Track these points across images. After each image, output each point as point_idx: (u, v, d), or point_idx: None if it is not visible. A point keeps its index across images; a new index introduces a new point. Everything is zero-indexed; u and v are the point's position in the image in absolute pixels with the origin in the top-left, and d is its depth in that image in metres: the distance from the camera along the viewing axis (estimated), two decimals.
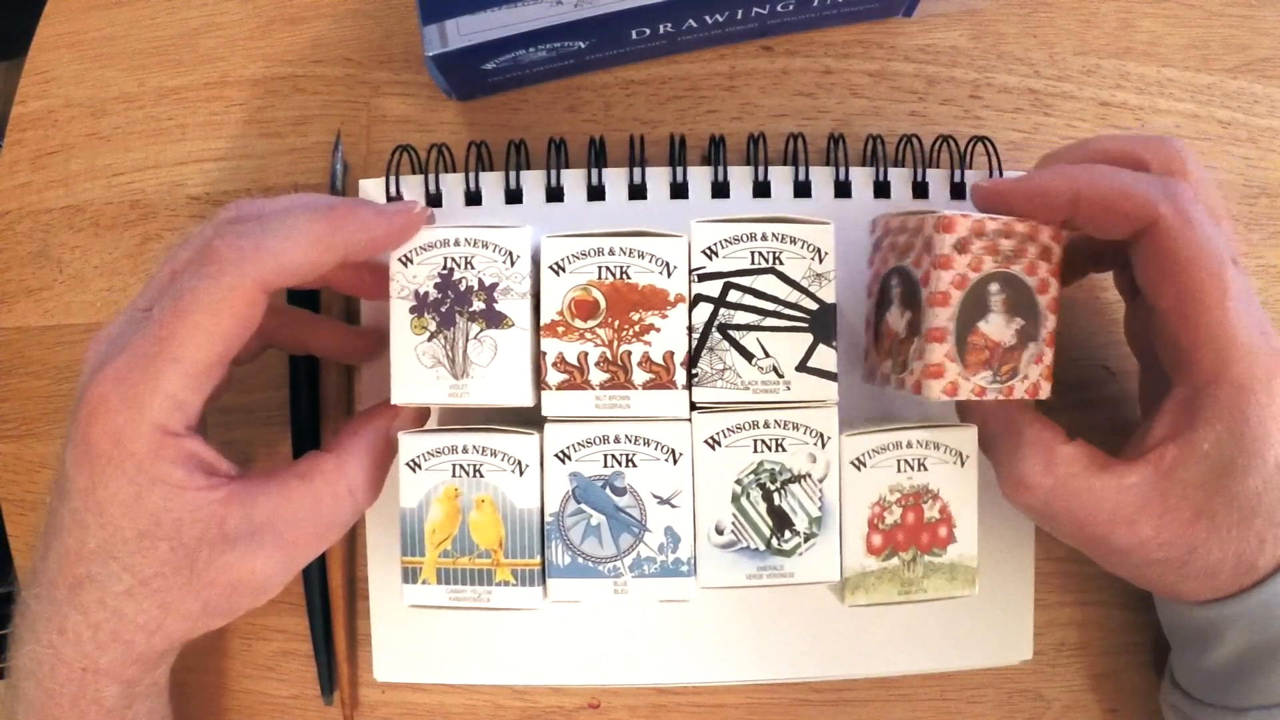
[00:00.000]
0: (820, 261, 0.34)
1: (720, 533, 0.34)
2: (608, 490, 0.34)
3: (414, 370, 0.33)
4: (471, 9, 0.37)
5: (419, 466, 0.34)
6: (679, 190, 0.40)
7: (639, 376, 0.34)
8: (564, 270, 0.34)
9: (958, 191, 0.40)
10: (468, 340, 0.33)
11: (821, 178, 0.41)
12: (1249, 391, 0.30)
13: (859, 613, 0.39)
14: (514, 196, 0.40)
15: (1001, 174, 0.41)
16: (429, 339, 0.33)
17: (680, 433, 0.34)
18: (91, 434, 0.29)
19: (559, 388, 0.34)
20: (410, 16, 0.43)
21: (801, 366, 0.34)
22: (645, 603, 0.38)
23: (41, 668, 0.31)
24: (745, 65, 0.43)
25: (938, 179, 0.41)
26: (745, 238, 0.34)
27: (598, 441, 0.34)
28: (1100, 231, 0.33)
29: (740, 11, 0.39)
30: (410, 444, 0.34)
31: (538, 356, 0.34)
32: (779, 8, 0.39)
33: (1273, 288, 0.43)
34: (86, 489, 0.30)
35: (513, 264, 0.34)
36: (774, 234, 0.34)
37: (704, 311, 0.34)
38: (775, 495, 0.34)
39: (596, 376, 0.34)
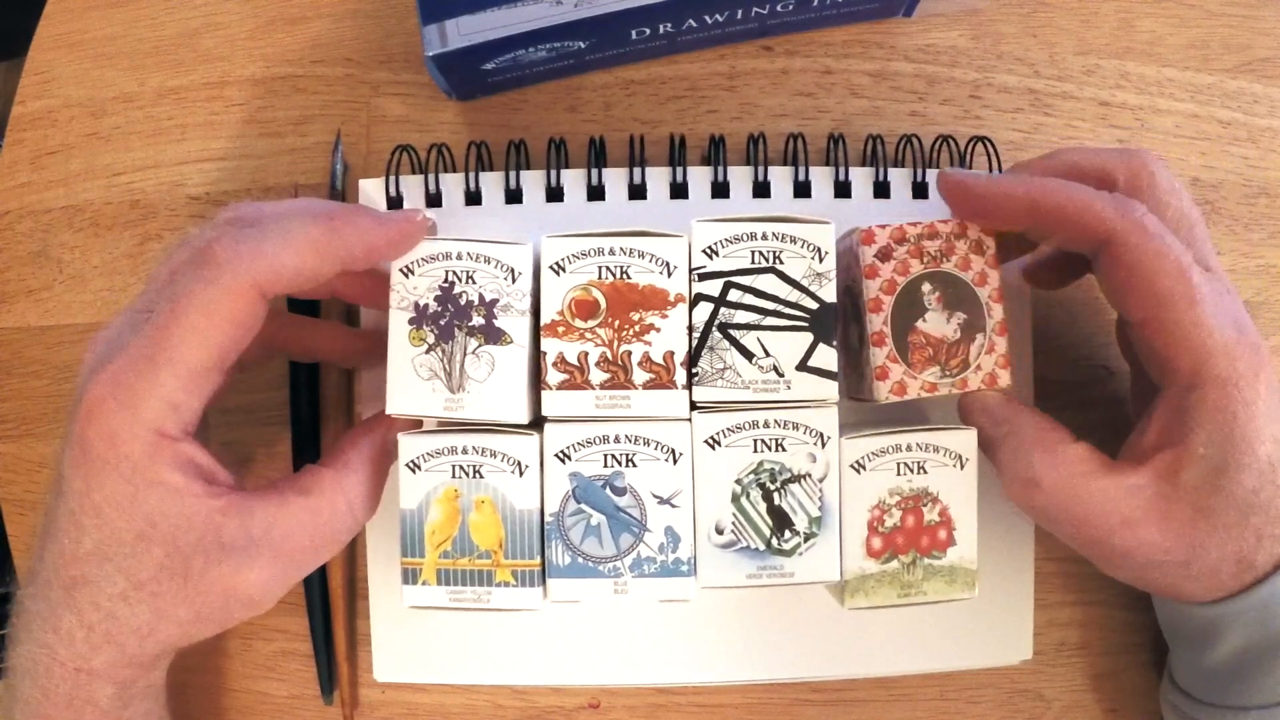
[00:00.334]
0: (820, 261, 0.34)
1: (720, 532, 0.34)
2: (608, 490, 0.34)
3: (410, 382, 0.33)
4: (471, 9, 0.36)
5: (419, 467, 0.34)
6: (679, 190, 0.40)
7: (639, 376, 0.34)
8: (564, 270, 0.34)
9: None
10: (465, 355, 0.33)
11: (821, 178, 0.41)
12: (1232, 388, 0.31)
13: (858, 613, 0.39)
14: (514, 196, 0.40)
15: (1001, 173, 0.41)
16: (427, 351, 0.33)
17: (680, 432, 0.34)
18: (88, 435, 0.29)
19: (559, 387, 0.34)
20: (410, 16, 0.43)
21: (802, 366, 0.34)
22: (645, 603, 0.38)
23: (37, 667, 0.31)
24: (745, 65, 0.43)
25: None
26: (746, 237, 0.34)
27: (598, 441, 0.34)
28: (1059, 243, 0.33)
29: (740, 11, 0.39)
30: (410, 445, 0.34)
31: (535, 374, 0.34)
32: (779, 8, 0.39)
33: (1273, 288, 0.43)
34: (83, 490, 0.30)
35: (514, 280, 0.34)
36: (774, 233, 0.34)
37: (704, 311, 0.34)
38: (775, 495, 0.34)
39: (597, 376, 0.34)
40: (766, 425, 0.34)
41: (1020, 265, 0.40)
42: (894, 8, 0.42)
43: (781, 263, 0.34)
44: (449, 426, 0.34)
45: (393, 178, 0.41)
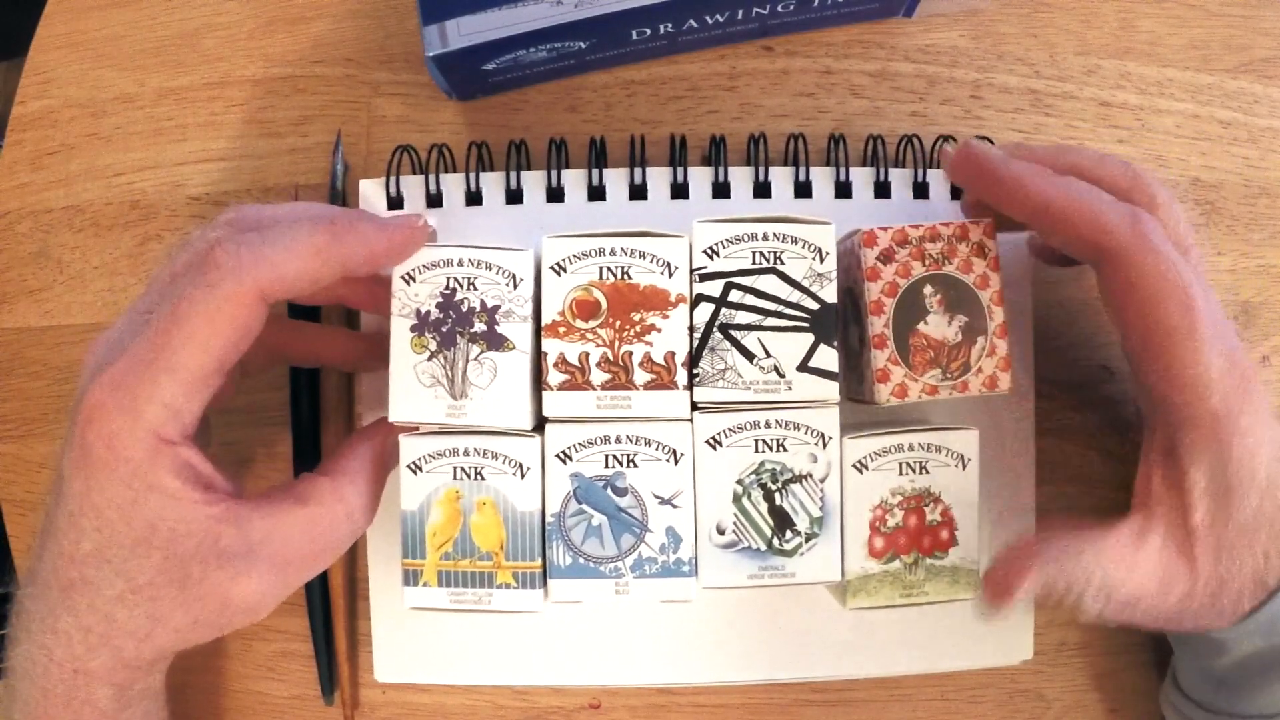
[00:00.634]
0: (821, 261, 0.34)
1: (721, 533, 0.34)
2: (609, 490, 0.34)
3: (412, 389, 0.33)
4: (472, 9, 0.36)
5: (420, 469, 0.34)
6: (679, 190, 0.40)
7: (640, 377, 0.34)
8: (565, 270, 0.34)
9: (958, 192, 0.40)
10: (467, 361, 0.33)
11: (822, 178, 0.41)
12: (1225, 421, 0.31)
13: (860, 613, 0.39)
14: (514, 197, 0.40)
15: None
16: (429, 358, 0.33)
17: (681, 433, 0.34)
18: (88, 438, 0.29)
19: (560, 388, 0.34)
20: (411, 16, 0.43)
21: (803, 366, 0.34)
22: (646, 603, 0.38)
23: (35, 668, 0.31)
24: (746, 65, 0.43)
25: (938, 179, 0.41)
26: (746, 238, 0.34)
27: (599, 442, 0.34)
28: (1058, 244, 0.33)
29: (740, 12, 0.39)
30: (411, 447, 0.34)
31: (537, 380, 0.34)
32: (779, 8, 0.39)
33: (1273, 288, 0.43)
34: (82, 492, 0.30)
35: (515, 287, 0.34)
36: (775, 234, 0.34)
37: (705, 311, 0.34)
38: (776, 495, 0.34)
39: (598, 377, 0.34)
40: (768, 425, 0.34)
41: (1027, 238, 0.40)
42: (894, 8, 0.42)
43: (782, 263, 0.34)
44: (450, 428, 0.34)
45: (393, 178, 0.41)
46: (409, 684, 0.41)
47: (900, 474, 0.34)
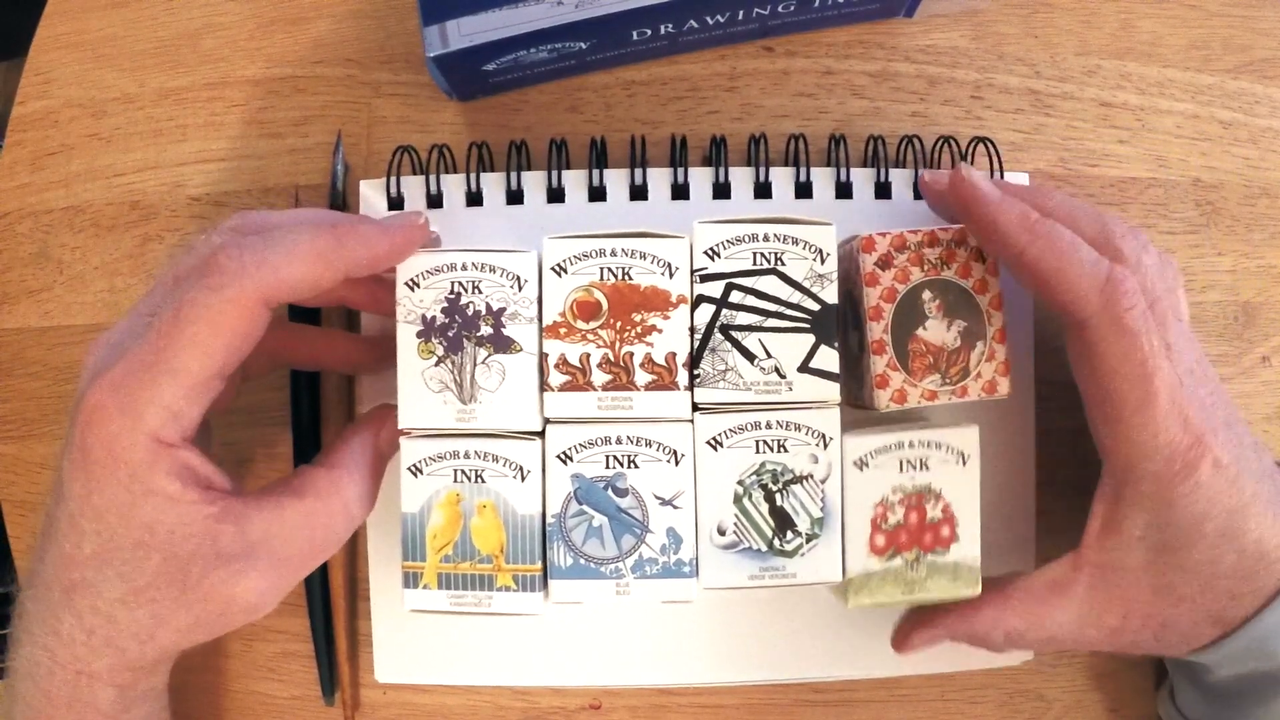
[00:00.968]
0: (822, 262, 0.34)
1: (722, 533, 0.34)
2: (609, 491, 0.34)
3: (421, 395, 0.33)
4: (472, 10, 0.36)
5: (420, 471, 0.34)
6: (680, 191, 0.40)
7: (641, 378, 0.34)
8: (566, 271, 0.34)
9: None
10: (475, 365, 0.33)
11: (823, 178, 0.41)
12: (1168, 485, 0.31)
13: (860, 614, 0.39)
14: (515, 197, 0.40)
15: (1003, 175, 0.41)
16: (436, 363, 0.33)
17: (682, 434, 0.34)
18: (88, 441, 0.29)
19: (561, 389, 0.34)
20: (411, 17, 0.43)
21: (803, 367, 0.34)
22: (647, 604, 0.38)
23: (38, 669, 0.31)
24: (746, 66, 0.43)
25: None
26: (747, 238, 0.34)
27: (600, 443, 0.34)
28: (1029, 290, 0.33)
29: (741, 12, 0.39)
30: (412, 449, 0.34)
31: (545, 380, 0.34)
32: (780, 8, 0.39)
33: (1273, 288, 0.43)
34: (82, 495, 0.30)
35: (520, 288, 0.34)
36: (776, 235, 0.34)
37: (706, 312, 0.34)
38: (777, 496, 0.34)
39: (598, 378, 0.34)
40: (768, 426, 0.34)
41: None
42: (895, 8, 0.42)
43: (783, 264, 0.34)
44: (451, 431, 0.34)
45: (393, 178, 0.40)
46: (409, 684, 0.41)
47: (901, 471, 0.34)
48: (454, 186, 0.41)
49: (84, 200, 0.43)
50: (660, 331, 0.34)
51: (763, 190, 0.40)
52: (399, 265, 0.34)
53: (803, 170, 0.40)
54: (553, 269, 0.34)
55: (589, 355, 0.34)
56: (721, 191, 0.40)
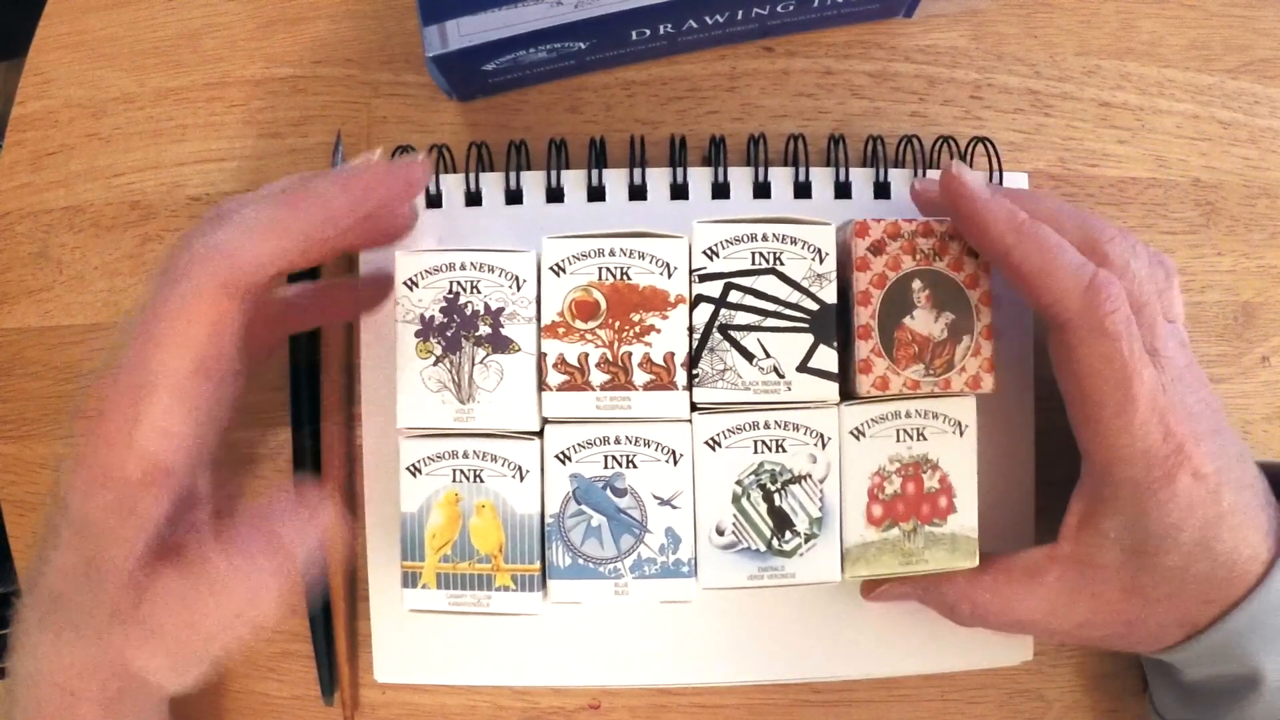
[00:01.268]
0: (821, 262, 0.34)
1: (721, 534, 0.34)
2: (608, 491, 0.34)
3: (420, 395, 0.33)
4: (472, 10, 0.36)
5: (419, 471, 0.34)
6: (679, 191, 0.40)
7: (639, 377, 0.34)
8: (564, 271, 0.34)
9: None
10: (473, 365, 0.33)
11: (822, 178, 0.41)
12: (1145, 492, 0.31)
13: (860, 613, 0.39)
14: (514, 197, 0.40)
15: (1002, 175, 0.40)
16: (434, 363, 0.33)
17: (681, 433, 0.34)
18: (85, 456, 0.29)
19: (559, 389, 0.34)
20: (411, 17, 0.43)
21: (802, 367, 0.34)
22: (646, 604, 0.38)
23: (29, 679, 0.30)
24: (746, 66, 0.43)
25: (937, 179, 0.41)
26: (746, 238, 0.34)
27: (598, 443, 0.34)
28: (1014, 290, 0.33)
29: (740, 12, 0.39)
30: (411, 449, 0.34)
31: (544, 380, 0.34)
32: (779, 8, 0.39)
33: (1273, 288, 0.43)
34: (77, 507, 0.29)
35: (518, 288, 0.34)
36: (775, 234, 0.34)
37: (705, 312, 0.34)
38: (776, 496, 0.34)
39: (597, 377, 0.34)
40: (767, 426, 0.34)
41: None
42: (894, 8, 0.42)
43: (782, 264, 0.34)
44: (450, 430, 0.34)
45: None
46: (409, 684, 0.41)
47: (898, 441, 0.34)
48: (453, 186, 0.41)
49: (84, 200, 0.43)
50: (659, 331, 0.34)
51: (762, 190, 0.40)
52: (398, 257, 0.33)
53: (802, 170, 0.40)
54: (551, 269, 0.34)
55: (587, 355, 0.34)
56: (721, 191, 0.40)
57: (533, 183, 0.41)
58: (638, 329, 0.34)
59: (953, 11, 0.43)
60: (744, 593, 0.39)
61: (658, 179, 0.41)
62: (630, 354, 0.34)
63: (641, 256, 0.34)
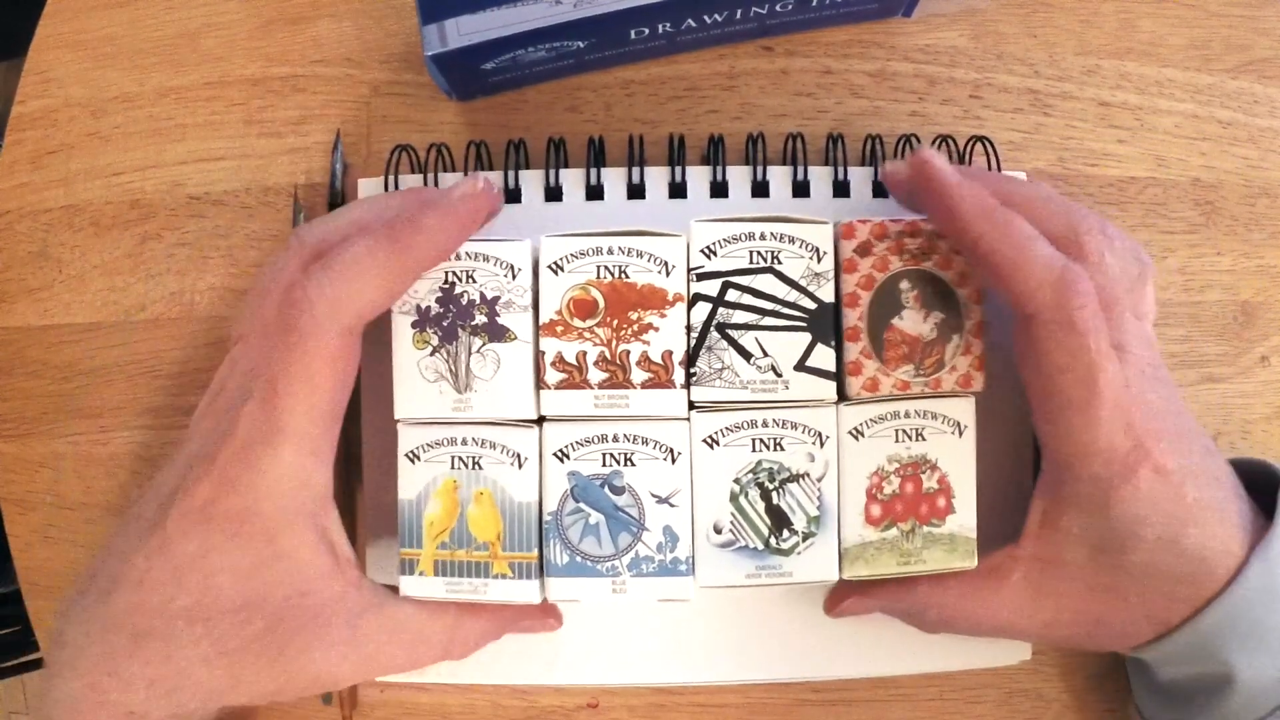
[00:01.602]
0: (819, 261, 0.34)
1: (719, 532, 0.34)
2: (606, 489, 0.34)
3: (417, 385, 0.33)
4: (471, 9, 0.36)
5: (418, 458, 0.34)
6: (678, 190, 0.40)
7: (637, 376, 0.34)
8: (563, 270, 0.34)
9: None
10: (470, 354, 0.33)
11: (820, 177, 0.41)
12: (1107, 488, 0.31)
13: (858, 614, 0.39)
14: (513, 196, 0.40)
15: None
16: (431, 354, 0.33)
17: (679, 432, 0.34)
18: (214, 510, 0.29)
19: (558, 387, 0.34)
20: (410, 16, 0.43)
21: (800, 366, 0.34)
22: (644, 603, 0.38)
23: (81, 704, 0.30)
24: (745, 65, 0.43)
25: None
26: (744, 237, 0.34)
27: (596, 440, 0.34)
28: (984, 280, 0.33)
29: (739, 11, 0.39)
30: (409, 436, 0.34)
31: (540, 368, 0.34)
32: (778, 8, 0.39)
33: (1273, 288, 0.43)
34: (196, 553, 0.30)
35: (514, 277, 0.34)
36: (773, 233, 0.34)
37: (702, 311, 0.34)
38: (774, 494, 0.34)
39: (595, 376, 0.34)
40: (765, 425, 0.34)
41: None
42: (894, 8, 0.42)
43: (780, 263, 0.34)
44: (448, 419, 0.34)
45: (392, 177, 0.41)
46: (408, 683, 0.41)
47: (896, 441, 0.34)
48: None
49: (83, 199, 0.43)
50: (657, 330, 0.34)
51: (760, 189, 0.40)
52: None
53: (800, 169, 0.40)
54: (550, 267, 0.34)
55: (585, 353, 0.34)
56: (719, 190, 0.40)
57: (532, 181, 0.41)
58: (636, 327, 0.34)
59: (952, 11, 0.43)
60: (743, 592, 0.39)
61: (656, 178, 0.41)
62: (628, 352, 0.34)
63: (640, 255, 0.34)
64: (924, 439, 0.34)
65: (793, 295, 0.34)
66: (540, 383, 0.34)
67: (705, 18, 0.39)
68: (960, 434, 0.35)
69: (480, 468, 0.34)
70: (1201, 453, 0.32)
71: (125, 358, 0.42)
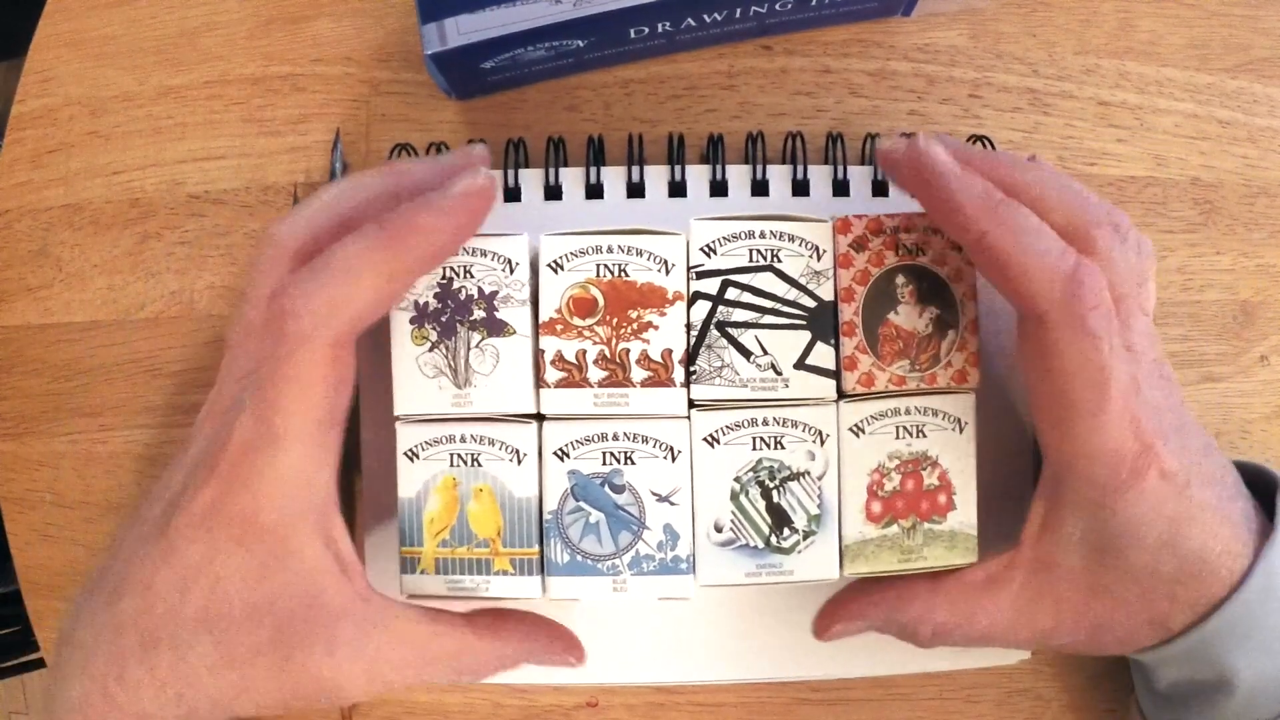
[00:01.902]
0: (818, 259, 0.34)
1: (719, 530, 0.34)
2: (606, 488, 0.34)
3: (416, 381, 0.33)
4: (470, 8, 0.37)
5: (417, 456, 0.34)
6: (677, 189, 0.40)
7: (637, 374, 0.34)
8: (562, 268, 0.34)
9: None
10: (469, 349, 0.33)
11: (820, 176, 0.41)
12: (1112, 492, 0.30)
13: None
14: (512, 195, 0.40)
15: None
16: (430, 349, 0.33)
17: (679, 430, 0.34)
18: (218, 517, 0.29)
19: (557, 386, 0.34)
20: (410, 15, 0.43)
21: (800, 364, 0.34)
22: (644, 602, 0.38)
23: (91, 708, 0.30)
24: (744, 64, 0.43)
25: None
26: (743, 235, 0.34)
27: (596, 439, 0.34)
28: (986, 278, 0.32)
29: (739, 10, 0.39)
30: (407, 434, 0.34)
31: (539, 362, 0.34)
32: (777, 7, 0.39)
33: (1272, 287, 0.43)
34: (201, 560, 0.29)
35: (512, 271, 0.34)
36: (772, 232, 0.34)
37: (702, 309, 0.34)
38: (774, 493, 0.34)
39: (595, 374, 0.34)
40: (765, 423, 0.34)
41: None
42: (893, 7, 0.42)
43: (779, 261, 0.34)
44: (446, 415, 0.34)
45: None
46: None
47: (897, 438, 0.34)
48: None
49: (83, 198, 0.43)
50: (656, 328, 0.34)
51: (760, 188, 0.40)
52: None
53: (800, 168, 0.40)
54: (549, 265, 0.34)
55: (585, 352, 0.34)
56: (719, 189, 0.40)
57: (531, 180, 0.41)
58: (635, 326, 0.34)
59: (951, 10, 0.43)
60: (743, 591, 0.39)
61: (656, 177, 0.41)
62: (628, 351, 0.34)
63: (639, 254, 0.34)
64: (925, 435, 0.34)
65: (792, 293, 0.34)
66: (540, 381, 0.34)
67: (704, 17, 0.39)
68: (961, 430, 0.34)
69: (479, 464, 0.33)
70: (1202, 450, 0.31)
71: (125, 356, 0.42)
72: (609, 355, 0.34)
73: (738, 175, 0.41)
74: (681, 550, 0.34)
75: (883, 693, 0.41)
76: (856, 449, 0.34)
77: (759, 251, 0.34)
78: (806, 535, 0.34)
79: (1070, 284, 0.29)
